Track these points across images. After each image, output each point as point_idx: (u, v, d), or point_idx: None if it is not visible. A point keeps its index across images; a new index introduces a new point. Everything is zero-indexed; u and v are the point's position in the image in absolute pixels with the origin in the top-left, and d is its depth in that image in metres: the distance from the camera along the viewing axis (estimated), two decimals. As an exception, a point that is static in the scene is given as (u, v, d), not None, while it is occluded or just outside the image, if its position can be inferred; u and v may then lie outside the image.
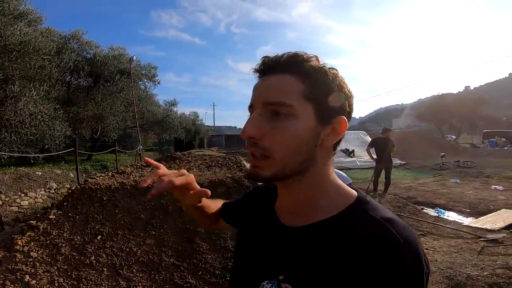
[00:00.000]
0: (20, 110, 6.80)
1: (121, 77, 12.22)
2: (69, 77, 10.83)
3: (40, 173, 7.75)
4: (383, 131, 6.90)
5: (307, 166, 0.51)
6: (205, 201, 0.73)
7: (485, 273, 2.66)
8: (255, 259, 0.59)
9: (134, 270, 2.58)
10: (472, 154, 15.04)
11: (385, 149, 6.40)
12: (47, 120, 7.48)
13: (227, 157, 5.48)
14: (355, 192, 0.55)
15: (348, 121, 0.53)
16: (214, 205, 0.80)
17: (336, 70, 0.53)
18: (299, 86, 0.49)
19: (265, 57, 0.54)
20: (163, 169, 0.61)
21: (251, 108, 0.54)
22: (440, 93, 29.81)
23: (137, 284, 2.46)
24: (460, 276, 2.67)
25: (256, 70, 0.55)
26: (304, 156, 0.50)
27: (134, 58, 12.97)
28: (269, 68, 0.52)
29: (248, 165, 0.53)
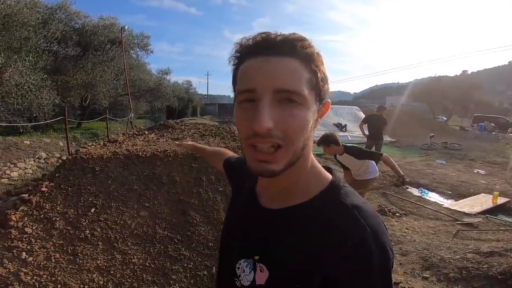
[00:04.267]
0: (6, 81, 6.64)
1: (112, 46, 12.02)
2: (56, 46, 10.59)
3: (28, 142, 7.61)
4: (378, 108, 7.01)
5: (304, 149, 0.51)
6: (204, 151, 1.08)
7: (457, 257, 2.84)
8: (236, 238, 0.61)
9: (129, 243, 2.62)
10: (460, 137, 15.34)
11: (377, 126, 6.52)
12: (34, 90, 7.34)
13: (221, 127, 5.41)
14: (329, 176, 0.56)
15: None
16: (214, 157, 1.06)
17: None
18: (306, 74, 0.48)
19: (266, 33, 0.50)
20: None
21: (250, 92, 0.48)
22: (437, 75, 29.72)
23: (132, 257, 2.51)
24: (434, 258, 2.86)
25: (257, 47, 0.49)
26: (306, 142, 0.50)
27: (126, 27, 12.68)
28: (274, 48, 0.48)
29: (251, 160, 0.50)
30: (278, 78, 0.46)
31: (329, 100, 0.54)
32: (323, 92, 0.51)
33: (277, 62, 0.47)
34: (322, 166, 0.59)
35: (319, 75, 0.50)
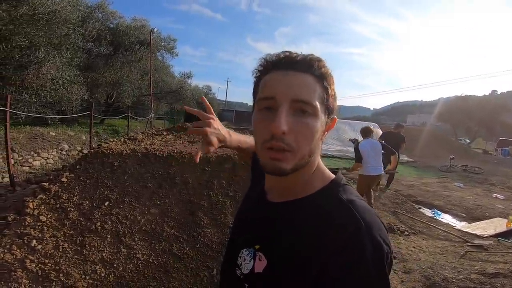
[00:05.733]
0: (42, 75, 7.05)
1: (140, 47, 12.55)
2: (91, 44, 11.13)
3: (53, 134, 7.95)
4: (395, 126, 6.89)
5: (312, 157, 0.57)
6: (238, 141, 0.87)
7: (460, 277, 2.78)
8: (242, 228, 0.67)
9: (136, 238, 2.69)
10: (482, 160, 14.77)
11: (394, 144, 6.43)
12: (67, 84, 7.74)
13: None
14: (331, 175, 0.62)
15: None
16: (246, 144, 0.92)
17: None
18: (319, 89, 0.55)
19: (289, 52, 0.57)
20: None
21: (270, 100, 0.55)
22: (463, 94, 28.65)
23: (137, 252, 2.56)
24: (437, 276, 2.81)
25: (279, 62, 0.56)
26: (314, 150, 0.56)
27: (155, 30, 13.26)
28: (296, 65, 0.55)
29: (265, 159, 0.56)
30: (295, 89, 0.53)
31: (336, 116, 0.60)
32: (331, 107, 0.58)
33: (295, 76, 0.54)
34: (330, 169, 0.64)
35: (330, 92, 0.57)
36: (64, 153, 7.67)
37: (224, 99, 48.11)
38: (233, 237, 0.70)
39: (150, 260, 2.55)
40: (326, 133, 0.59)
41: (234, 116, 35.19)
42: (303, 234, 0.52)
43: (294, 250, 0.52)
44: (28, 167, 6.38)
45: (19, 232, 2.55)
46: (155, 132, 5.77)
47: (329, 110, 0.57)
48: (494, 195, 7.41)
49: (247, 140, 0.92)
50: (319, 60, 0.56)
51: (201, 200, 3.14)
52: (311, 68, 0.55)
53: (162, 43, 14.65)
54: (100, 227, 2.74)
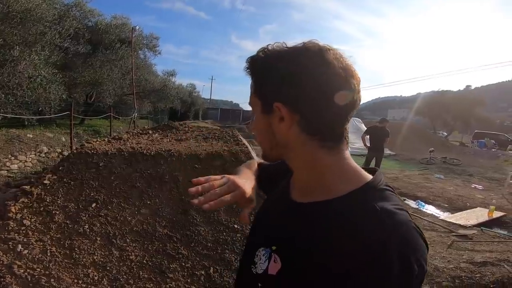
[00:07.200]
0: (19, 73, 6.80)
1: (121, 45, 12.24)
2: (68, 43, 10.84)
3: (31, 136, 7.67)
4: (380, 120, 7.01)
5: (280, 151, 0.58)
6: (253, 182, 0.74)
7: (451, 266, 2.88)
8: (262, 226, 0.65)
9: (127, 239, 2.61)
10: (460, 152, 15.41)
11: (379, 138, 6.56)
12: (44, 83, 7.47)
13: (224, 130, 5.41)
14: (367, 177, 0.54)
15: (304, 104, 0.51)
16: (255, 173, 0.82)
17: (282, 51, 0.53)
18: (253, 86, 0.58)
19: (248, 58, 0.59)
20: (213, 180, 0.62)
21: None
22: (440, 89, 29.88)
23: (129, 253, 2.49)
24: (428, 266, 2.88)
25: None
26: (269, 144, 0.58)
27: (137, 28, 12.99)
28: (249, 72, 0.59)
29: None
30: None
31: (278, 102, 0.52)
32: (265, 95, 0.55)
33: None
34: (367, 168, 0.58)
35: (260, 80, 0.56)
36: (43, 155, 7.38)
37: (209, 98, 47.71)
38: (253, 235, 0.67)
39: (144, 261, 2.49)
40: (285, 125, 0.53)
41: (219, 114, 35.07)
42: (321, 241, 0.48)
43: (309, 259, 0.49)
44: (6, 171, 6.10)
45: (3, 237, 2.44)
46: (141, 131, 5.63)
47: (264, 100, 0.55)
48: (473, 185, 7.72)
49: (252, 170, 0.84)
50: (250, 58, 0.57)
51: (192, 198, 3.08)
52: (247, 69, 0.57)
53: (144, 41, 14.40)
54: (88, 230, 2.65)
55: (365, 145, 6.82)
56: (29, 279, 2.15)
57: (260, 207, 0.72)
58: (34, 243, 2.44)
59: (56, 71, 8.29)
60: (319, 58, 0.50)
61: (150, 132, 5.43)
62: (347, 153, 0.56)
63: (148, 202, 3.02)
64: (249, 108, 0.62)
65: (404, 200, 6.02)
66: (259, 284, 0.56)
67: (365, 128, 9.20)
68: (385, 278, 0.42)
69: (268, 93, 0.54)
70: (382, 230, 0.44)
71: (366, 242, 0.44)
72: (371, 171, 0.57)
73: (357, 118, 16.99)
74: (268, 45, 0.55)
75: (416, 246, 0.44)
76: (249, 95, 0.59)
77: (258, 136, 0.60)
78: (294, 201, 0.59)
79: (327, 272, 0.46)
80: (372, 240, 0.43)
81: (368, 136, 6.79)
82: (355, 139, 12.28)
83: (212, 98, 49.49)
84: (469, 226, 4.34)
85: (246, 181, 0.68)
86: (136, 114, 13.08)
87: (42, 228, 2.59)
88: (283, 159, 0.59)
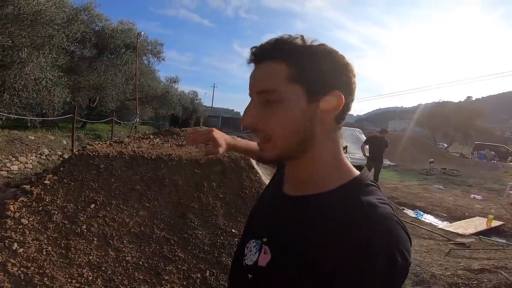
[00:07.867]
0: (25, 75, 6.87)
1: (126, 50, 12.40)
2: (74, 46, 10.94)
3: (32, 138, 7.70)
4: (380, 131, 7.05)
5: (306, 144, 0.53)
6: (246, 143, 0.90)
7: (448, 273, 2.88)
8: (255, 219, 0.66)
9: (124, 241, 2.61)
10: (460, 164, 15.39)
11: (378, 148, 6.58)
12: (50, 86, 7.55)
13: None
14: (356, 172, 0.56)
15: (349, 93, 0.53)
16: (253, 146, 0.88)
17: (325, 45, 0.53)
18: (284, 70, 0.51)
19: (253, 47, 0.55)
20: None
21: (250, 96, 0.57)
22: (441, 100, 29.97)
23: (126, 255, 2.49)
24: (425, 274, 2.90)
25: (250, 61, 0.56)
26: (301, 136, 0.52)
27: (142, 33, 13.19)
28: (257, 57, 0.54)
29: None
30: (256, 82, 0.54)
31: (337, 90, 0.51)
32: (318, 82, 0.51)
33: (259, 68, 0.54)
34: (355, 165, 0.59)
35: (308, 66, 0.51)
36: (44, 157, 7.41)
37: (210, 105, 47.97)
38: (247, 226, 0.69)
39: (140, 262, 2.48)
40: (329, 114, 0.52)
41: (220, 122, 35.23)
42: (311, 233, 0.49)
43: (299, 251, 0.49)
44: (5, 172, 6.14)
45: (-1, 235, 2.44)
46: (142, 136, 5.67)
47: (315, 87, 0.51)
48: (472, 196, 7.73)
49: (250, 143, 0.91)
50: (279, 40, 0.53)
51: (191, 202, 3.10)
52: (272, 53, 0.52)
53: (149, 47, 14.52)
54: (86, 230, 2.65)
55: (364, 154, 6.84)
56: (22, 277, 2.15)
57: (256, 201, 0.74)
58: (30, 242, 2.44)
59: (62, 74, 8.38)
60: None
61: (152, 137, 5.48)
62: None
63: (147, 205, 3.02)
64: None
65: (403, 209, 6.02)
66: (249, 276, 0.56)
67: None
68: (370, 270, 0.42)
69: (323, 80, 0.51)
70: (367, 223, 0.45)
71: (352, 235, 0.44)
72: (358, 168, 0.58)
73: (357, 129, 17.02)
74: (288, 35, 0.54)
75: (399, 239, 0.45)
76: (260, 85, 0.53)
77: (279, 129, 0.52)
78: (286, 195, 0.59)
79: (315, 264, 0.46)
80: (357, 233, 0.44)
81: (367, 146, 6.83)
82: (356, 149, 12.32)
83: (213, 106, 49.77)
84: (467, 235, 4.34)
85: (223, 135, 0.82)
86: (138, 119, 13.16)
87: (39, 227, 2.59)
88: (291, 158, 0.55)
